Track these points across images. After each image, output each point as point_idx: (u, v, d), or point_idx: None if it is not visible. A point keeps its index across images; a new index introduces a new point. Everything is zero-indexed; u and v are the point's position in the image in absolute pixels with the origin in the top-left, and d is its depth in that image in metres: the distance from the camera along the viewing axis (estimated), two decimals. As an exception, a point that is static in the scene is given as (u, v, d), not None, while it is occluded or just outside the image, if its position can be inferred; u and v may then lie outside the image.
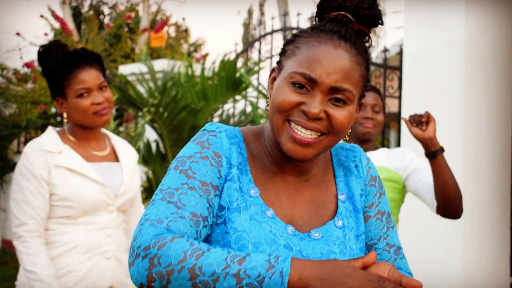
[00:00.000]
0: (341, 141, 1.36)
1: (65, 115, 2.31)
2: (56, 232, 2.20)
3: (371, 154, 2.59)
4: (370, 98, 2.60)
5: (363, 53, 1.29)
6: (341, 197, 1.33)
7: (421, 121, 2.38)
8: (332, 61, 1.23)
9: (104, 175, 2.26)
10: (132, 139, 4.89)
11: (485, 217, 4.55)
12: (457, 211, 2.41)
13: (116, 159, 2.38)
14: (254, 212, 1.26)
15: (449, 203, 2.37)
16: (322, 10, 1.32)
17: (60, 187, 2.17)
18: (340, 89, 1.22)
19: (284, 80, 1.26)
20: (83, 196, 2.17)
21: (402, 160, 2.55)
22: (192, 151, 1.30)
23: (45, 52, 2.24)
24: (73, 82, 2.23)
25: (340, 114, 1.23)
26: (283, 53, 1.33)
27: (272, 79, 1.35)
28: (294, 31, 6.99)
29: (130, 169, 2.36)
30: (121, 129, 6.72)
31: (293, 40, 1.32)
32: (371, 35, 1.35)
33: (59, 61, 2.23)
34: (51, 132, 2.29)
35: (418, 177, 2.50)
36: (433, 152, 2.35)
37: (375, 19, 1.30)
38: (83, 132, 2.32)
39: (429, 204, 2.48)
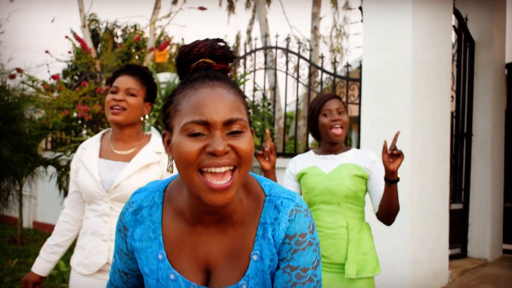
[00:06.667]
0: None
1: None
2: (84, 217, 2.28)
3: (344, 154, 2.52)
4: (333, 103, 2.47)
5: (235, 86, 1.17)
6: (254, 257, 1.16)
7: (393, 153, 2.24)
8: (215, 99, 1.08)
9: (103, 171, 2.18)
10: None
11: (429, 201, 4.58)
12: (389, 223, 2.41)
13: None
14: (160, 275, 1.20)
15: (386, 217, 2.38)
16: (182, 67, 1.18)
17: (77, 176, 2.26)
18: (233, 121, 1.08)
19: (180, 135, 1.08)
20: (83, 186, 2.19)
21: (366, 160, 2.48)
22: (118, 221, 1.30)
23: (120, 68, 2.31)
24: (112, 83, 2.24)
25: (242, 143, 1.08)
26: (167, 115, 1.16)
27: (167, 143, 1.17)
28: (273, 50, 6.99)
29: (133, 170, 2.17)
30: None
31: (171, 101, 1.15)
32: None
33: (114, 71, 2.28)
34: (102, 132, 2.34)
35: (374, 183, 2.45)
36: (390, 181, 2.28)
37: (229, 54, 1.19)
38: (114, 131, 2.27)
39: (373, 206, 2.47)
